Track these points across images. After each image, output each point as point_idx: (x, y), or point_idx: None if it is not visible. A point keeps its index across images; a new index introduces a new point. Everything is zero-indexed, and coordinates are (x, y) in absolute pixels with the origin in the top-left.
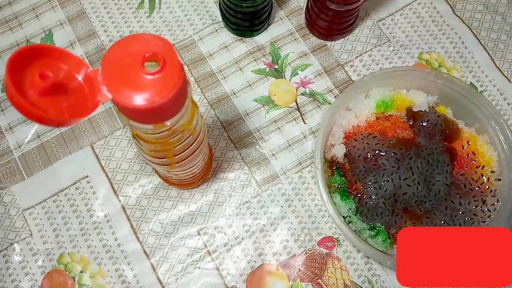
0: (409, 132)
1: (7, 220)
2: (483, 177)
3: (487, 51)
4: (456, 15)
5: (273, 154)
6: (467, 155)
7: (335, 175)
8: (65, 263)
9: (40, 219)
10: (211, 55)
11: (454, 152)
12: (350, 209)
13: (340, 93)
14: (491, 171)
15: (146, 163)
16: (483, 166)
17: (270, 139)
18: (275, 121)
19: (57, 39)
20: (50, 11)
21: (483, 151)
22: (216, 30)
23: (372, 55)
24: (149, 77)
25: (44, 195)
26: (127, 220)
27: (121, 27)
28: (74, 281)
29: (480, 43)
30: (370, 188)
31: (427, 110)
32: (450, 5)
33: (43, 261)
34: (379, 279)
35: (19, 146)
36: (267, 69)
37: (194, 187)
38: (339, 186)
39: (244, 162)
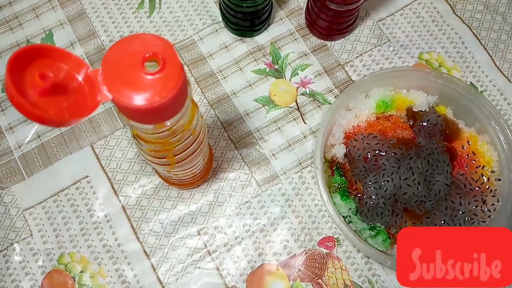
0: (409, 132)
1: (7, 220)
2: (483, 177)
3: (487, 51)
4: (456, 15)
5: (273, 154)
6: (467, 155)
7: (335, 175)
8: (65, 263)
9: (40, 219)
10: (211, 55)
11: (454, 152)
12: (350, 209)
13: (340, 93)
14: (491, 171)
15: (146, 163)
16: (483, 166)
17: (270, 139)
18: (275, 121)
19: (57, 39)
20: (50, 11)
21: (483, 151)
22: (216, 30)
23: (372, 55)
24: (149, 77)
25: (44, 195)
26: (127, 220)
27: (121, 27)
28: (74, 281)
29: (480, 43)
30: (370, 188)
31: (427, 110)
32: (450, 5)
33: (43, 261)
34: (379, 279)
35: (19, 146)
36: (267, 69)
37: (194, 187)
38: (339, 186)
39: (244, 162)
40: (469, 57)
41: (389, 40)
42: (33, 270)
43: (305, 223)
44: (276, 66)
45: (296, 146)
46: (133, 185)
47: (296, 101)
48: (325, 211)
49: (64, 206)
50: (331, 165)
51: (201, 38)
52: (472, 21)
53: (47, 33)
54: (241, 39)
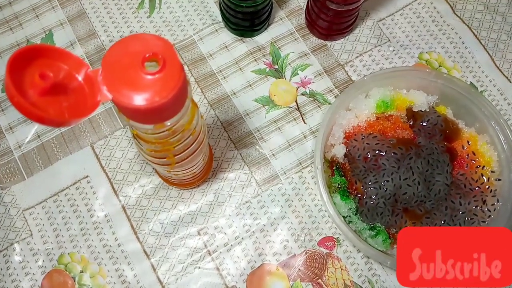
0: (409, 132)
1: (7, 220)
2: (483, 177)
3: (487, 51)
4: (456, 15)
5: (273, 154)
6: (467, 155)
7: (335, 175)
8: (65, 263)
9: (40, 219)
10: (211, 55)
11: (454, 152)
12: (350, 209)
13: (340, 93)
14: (491, 171)
15: (146, 163)
16: (483, 166)
17: (270, 139)
18: (275, 121)
19: (57, 39)
20: (50, 11)
21: (483, 151)
22: (216, 30)
23: (372, 55)
24: (149, 77)
25: (44, 195)
26: (127, 220)
27: (121, 27)
28: (74, 281)
29: (480, 43)
30: (370, 188)
31: (427, 110)
32: (450, 5)
33: (43, 261)
34: (379, 279)
35: (19, 146)
36: (267, 69)
37: (194, 187)
38: (339, 186)
39: (244, 162)
40: (469, 57)
41: (389, 40)
42: (33, 270)
43: (305, 223)
44: (276, 66)
45: (296, 146)
46: (133, 185)
47: (296, 101)
48: (325, 211)
49: (64, 206)
50: (331, 165)
51: (201, 38)
52: (472, 21)
53: (47, 33)
54: (241, 39)
